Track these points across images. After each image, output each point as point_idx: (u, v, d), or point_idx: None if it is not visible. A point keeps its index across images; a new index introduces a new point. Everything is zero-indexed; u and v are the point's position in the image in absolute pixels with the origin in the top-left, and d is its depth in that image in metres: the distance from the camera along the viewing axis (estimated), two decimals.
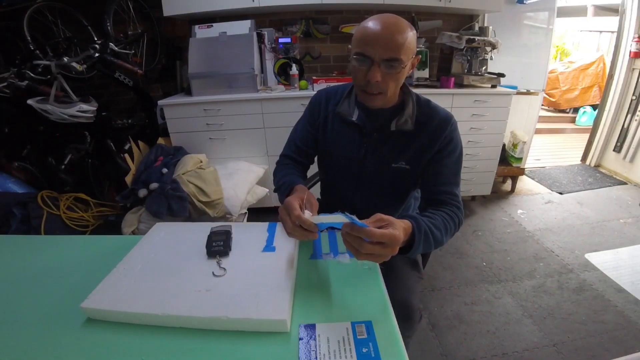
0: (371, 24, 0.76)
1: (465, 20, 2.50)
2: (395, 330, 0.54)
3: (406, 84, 0.88)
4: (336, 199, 1.02)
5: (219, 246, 0.69)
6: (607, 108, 2.99)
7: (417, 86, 2.18)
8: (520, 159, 2.53)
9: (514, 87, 2.27)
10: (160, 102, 2.04)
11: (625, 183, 2.81)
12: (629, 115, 2.80)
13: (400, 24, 0.76)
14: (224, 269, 0.64)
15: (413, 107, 0.86)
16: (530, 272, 1.78)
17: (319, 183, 1.16)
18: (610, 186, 2.76)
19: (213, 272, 0.63)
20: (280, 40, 2.23)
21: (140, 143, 2.07)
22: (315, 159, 1.06)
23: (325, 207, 1.03)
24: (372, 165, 0.90)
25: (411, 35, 0.77)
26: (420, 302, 0.86)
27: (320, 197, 1.11)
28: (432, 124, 0.85)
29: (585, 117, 4.36)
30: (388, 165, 0.89)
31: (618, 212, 2.36)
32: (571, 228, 2.18)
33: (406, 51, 0.76)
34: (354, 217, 0.55)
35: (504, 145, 2.52)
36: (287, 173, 0.93)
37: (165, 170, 1.81)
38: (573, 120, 4.53)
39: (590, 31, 5.00)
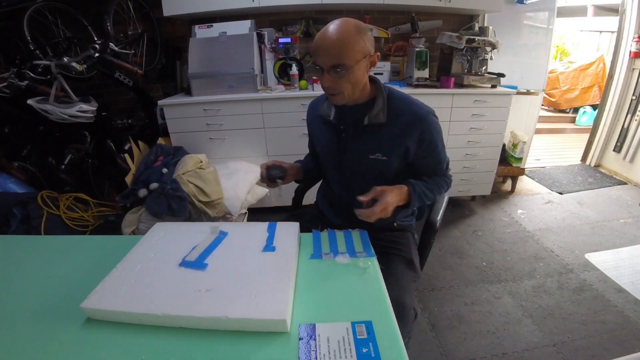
0: (318, 34, 0.82)
1: (465, 20, 2.50)
2: (395, 330, 0.54)
3: (378, 81, 0.93)
4: (329, 195, 1.10)
5: (277, 175, 0.94)
6: (607, 108, 2.98)
7: (417, 86, 2.18)
8: (520, 159, 2.53)
9: (514, 87, 2.27)
10: (160, 102, 2.04)
11: (625, 183, 2.80)
12: (629, 115, 2.80)
13: (342, 30, 0.78)
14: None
15: (383, 101, 0.90)
16: (530, 272, 1.78)
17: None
18: (610, 186, 2.76)
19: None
20: (280, 40, 2.23)
21: (140, 143, 2.07)
22: None
23: (321, 203, 1.13)
24: (352, 160, 0.96)
25: (356, 38, 0.79)
26: (416, 301, 0.87)
27: (317, 195, 1.18)
28: (404, 118, 0.89)
29: (585, 117, 4.35)
30: (366, 158, 0.93)
31: (618, 212, 2.36)
32: (571, 228, 2.18)
33: (350, 54, 0.78)
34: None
35: (504, 145, 2.51)
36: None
37: (165, 170, 1.81)
38: (573, 120, 4.52)
39: (590, 31, 5.00)
